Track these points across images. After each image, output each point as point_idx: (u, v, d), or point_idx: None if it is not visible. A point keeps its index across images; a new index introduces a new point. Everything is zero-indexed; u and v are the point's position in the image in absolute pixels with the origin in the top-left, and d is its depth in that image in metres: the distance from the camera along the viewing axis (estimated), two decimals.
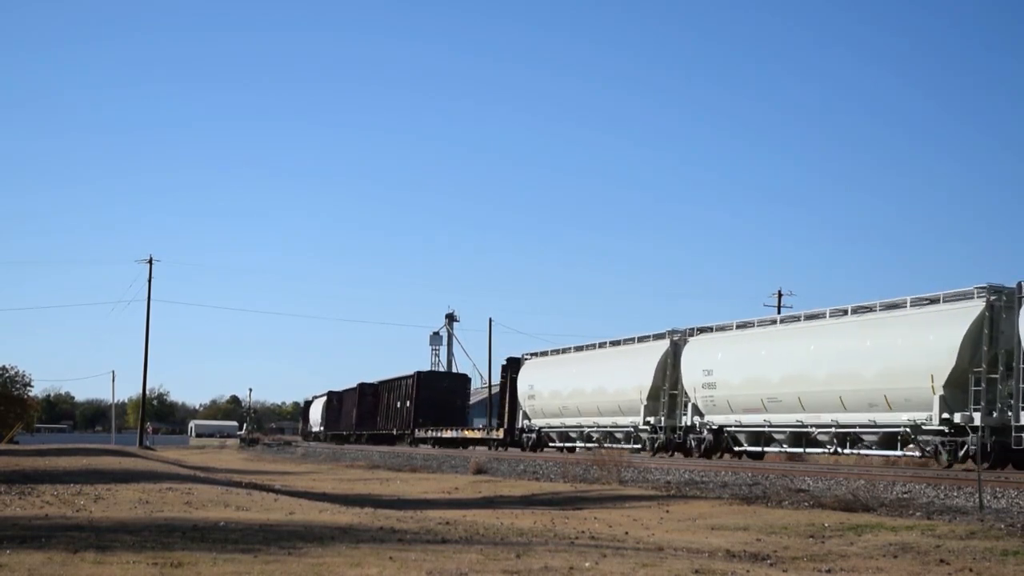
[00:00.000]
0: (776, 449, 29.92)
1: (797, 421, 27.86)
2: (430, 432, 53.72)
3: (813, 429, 27.43)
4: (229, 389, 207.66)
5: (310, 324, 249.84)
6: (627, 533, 12.68)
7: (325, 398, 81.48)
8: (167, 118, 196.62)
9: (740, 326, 31.23)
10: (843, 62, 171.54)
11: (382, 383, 66.32)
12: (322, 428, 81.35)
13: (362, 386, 68.74)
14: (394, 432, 59.80)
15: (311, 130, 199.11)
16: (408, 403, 57.80)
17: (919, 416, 23.90)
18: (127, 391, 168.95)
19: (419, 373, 58.68)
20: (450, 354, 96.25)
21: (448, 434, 51.94)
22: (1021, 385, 21.99)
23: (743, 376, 29.72)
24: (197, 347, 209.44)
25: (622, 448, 33.69)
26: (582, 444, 37.70)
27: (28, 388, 52.95)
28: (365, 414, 66.76)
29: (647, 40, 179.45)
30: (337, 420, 76.90)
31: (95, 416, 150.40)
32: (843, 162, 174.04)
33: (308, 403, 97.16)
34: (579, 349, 39.91)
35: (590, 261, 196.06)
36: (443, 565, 8.17)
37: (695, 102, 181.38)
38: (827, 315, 28.05)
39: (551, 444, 40.01)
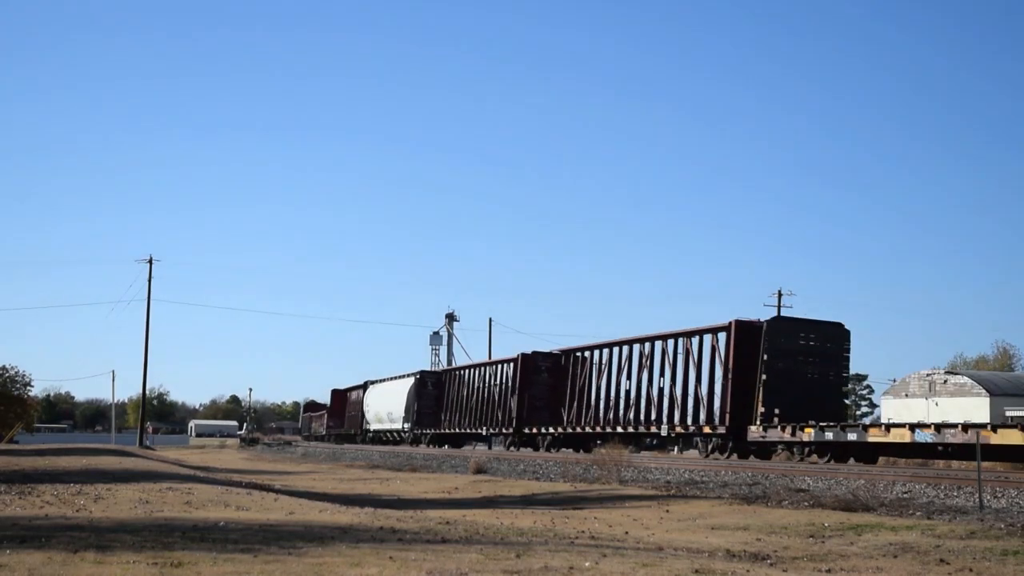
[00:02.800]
0: None
1: None
2: (809, 432, 27.68)
3: None
4: (229, 389, 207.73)
5: (310, 324, 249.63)
6: (627, 533, 12.68)
7: (412, 381, 57.51)
8: (167, 118, 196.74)
9: None
10: (844, 61, 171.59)
11: (574, 353, 42.31)
12: (408, 425, 57.25)
13: (528, 358, 44.12)
14: (661, 431, 34.50)
15: (311, 130, 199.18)
16: (711, 379, 32.60)
17: None
18: (127, 391, 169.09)
19: (739, 322, 31.50)
20: (450, 354, 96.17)
21: (920, 435, 24.95)
22: None
23: None
24: (197, 347, 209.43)
25: None
26: None
27: (28, 388, 52.87)
28: (537, 403, 43.15)
29: (647, 39, 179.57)
30: (436, 412, 54.61)
31: (95, 416, 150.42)
32: (843, 162, 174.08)
33: (344, 393, 75.19)
34: None
35: (590, 261, 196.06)
36: (443, 565, 8.16)
37: (695, 102, 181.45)
38: None
39: None
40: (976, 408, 29.03)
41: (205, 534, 10.04)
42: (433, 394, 55.55)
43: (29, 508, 13.14)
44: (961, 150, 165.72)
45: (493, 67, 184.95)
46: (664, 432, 34.46)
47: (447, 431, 52.67)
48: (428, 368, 74.55)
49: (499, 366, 47.56)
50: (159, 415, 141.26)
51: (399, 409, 58.37)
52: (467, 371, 52.61)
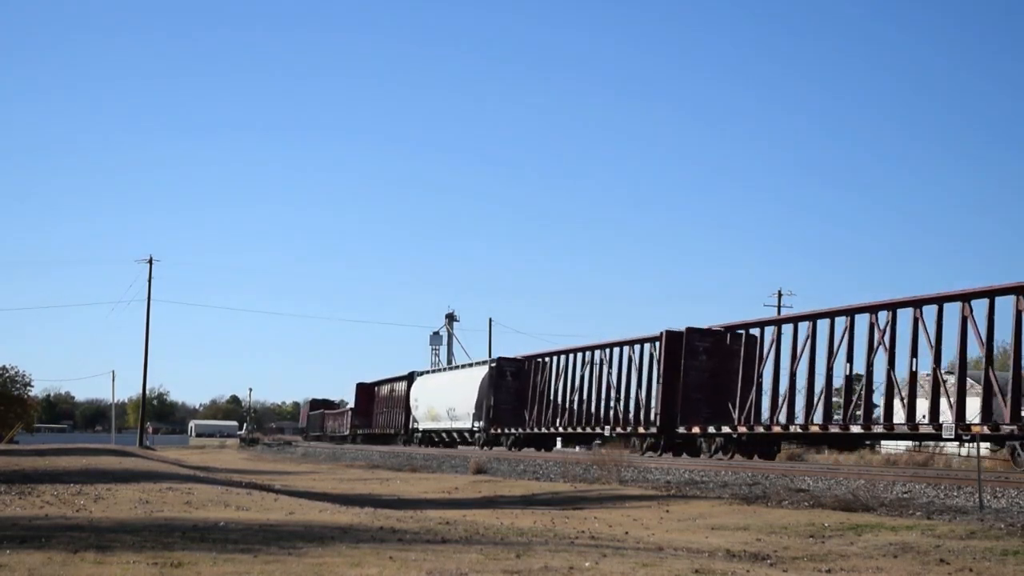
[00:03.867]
0: None
1: None
2: None
3: None
4: (229, 389, 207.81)
5: (310, 324, 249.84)
6: (627, 533, 12.68)
7: (485, 370, 46.71)
8: (167, 118, 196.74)
9: None
10: (844, 61, 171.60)
11: (747, 330, 32.24)
12: (480, 424, 46.46)
13: (678, 337, 32.86)
14: (944, 433, 23.72)
15: (311, 130, 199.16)
16: (1017, 358, 22.93)
17: None
18: (127, 391, 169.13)
19: None
20: (450, 354, 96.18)
21: None
22: None
23: None
24: (197, 347, 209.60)
25: None
26: None
27: (28, 388, 52.94)
28: (694, 395, 31.93)
29: (647, 39, 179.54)
30: (517, 409, 44.17)
31: (95, 416, 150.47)
32: (843, 162, 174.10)
33: (371, 387, 66.51)
34: None
35: (590, 261, 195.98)
36: (443, 565, 8.17)
37: (695, 102, 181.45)
38: None
39: None
40: (977, 408, 28.68)
41: (205, 534, 10.04)
42: (513, 386, 45.15)
43: (29, 508, 13.15)
44: (961, 150, 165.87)
45: (493, 67, 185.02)
46: (948, 434, 23.52)
47: (537, 431, 42.02)
48: (425, 367, 73.40)
49: (621, 349, 36.76)
50: (159, 415, 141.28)
51: (467, 405, 47.72)
52: (565, 356, 41.52)
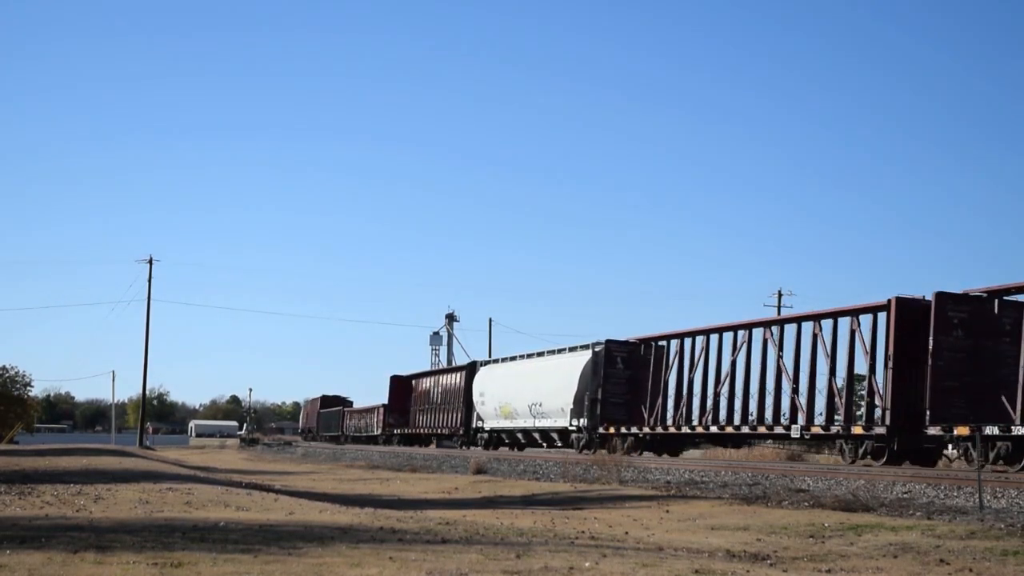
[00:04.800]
0: None
1: None
2: None
3: None
4: (229, 389, 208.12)
5: (310, 324, 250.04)
6: (627, 533, 12.67)
7: (588, 355, 37.52)
8: (167, 118, 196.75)
9: None
10: (844, 61, 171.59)
11: None
12: (580, 422, 37.02)
13: (913, 307, 24.76)
14: None
15: (311, 130, 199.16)
16: None
17: None
18: (127, 391, 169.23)
19: None
20: (450, 354, 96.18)
21: None
22: None
23: None
24: (197, 347, 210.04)
25: None
26: None
27: (28, 388, 53.04)
28: (946, 384, 23.18)
29: (648, 41, 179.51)
30: (632, 403, 35.36)
31: (95, 416, 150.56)
32: (843, 162, 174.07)
33: (407, 380, 59.73)
34: None
35: (590, 261, 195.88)
36: (443, 565, 8.16)
37: (694, 101, 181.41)
38: None
39: None
40: None
41: (205, 534, 10.03)
42: (625, 375, 36.24)
43: (29, 508, 13.14)
44: (961, 150, 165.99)
45: (494, 67, 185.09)
46: None
47: (675, 430, 32.81)
48: (425, 367, 72.28)
49: (798, 325, 28.73)
50: (159, 415, 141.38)
51: (561, 398, 38.48)
52: (704, 337, 32.45)
